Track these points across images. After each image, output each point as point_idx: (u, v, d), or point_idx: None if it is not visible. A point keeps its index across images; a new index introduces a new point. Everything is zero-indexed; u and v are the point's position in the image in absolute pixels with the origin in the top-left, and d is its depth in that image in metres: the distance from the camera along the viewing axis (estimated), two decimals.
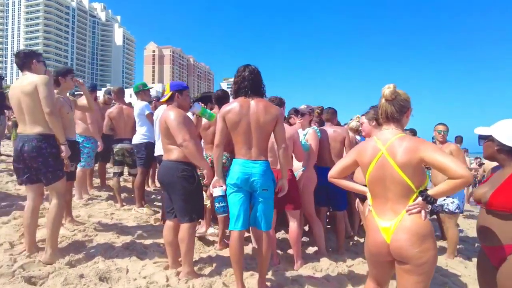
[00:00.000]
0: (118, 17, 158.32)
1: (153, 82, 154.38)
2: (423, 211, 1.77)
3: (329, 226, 4.80)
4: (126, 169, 5.37)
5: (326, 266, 3.45)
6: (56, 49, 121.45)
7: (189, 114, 3.14)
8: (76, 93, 6.32)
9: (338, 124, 4.76)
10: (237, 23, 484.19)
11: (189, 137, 2.72)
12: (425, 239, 1.75)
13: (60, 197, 3.03)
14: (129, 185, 6.23)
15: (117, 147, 5.06)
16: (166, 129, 2.81)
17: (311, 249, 4.05)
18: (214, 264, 3.22)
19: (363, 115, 3.29)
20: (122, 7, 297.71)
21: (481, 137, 1.99)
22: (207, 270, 3.09)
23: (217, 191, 2.70)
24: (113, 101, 5.68)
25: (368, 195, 1.98)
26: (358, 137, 4.73)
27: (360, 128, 3.86)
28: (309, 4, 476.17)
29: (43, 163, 2.92)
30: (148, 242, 3.68)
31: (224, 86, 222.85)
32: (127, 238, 3.69)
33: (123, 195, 5.42)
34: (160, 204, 5.44)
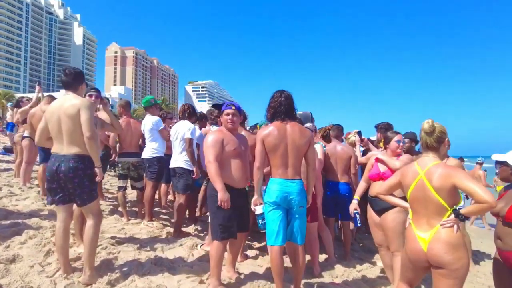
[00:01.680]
0: (78, 16, 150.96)
1: (115, 84, 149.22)
2: (455, 226, 2.12)
3: None
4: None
5: (341, 273, 3.79)
6: (8, 46, 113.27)
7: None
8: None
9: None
10: (202, 25, 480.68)
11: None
12: (457, 248, 2.11)
13: (95, 217, 3.07)
14: (129, 198, 6.21)
15: (122, 160, 5.07)
16: None
17: (320, 257, 4.35)
18: (242, 276, 3.42)
19: (403, 134, 3.60)
20: (82, 6, 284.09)
21: (497, 162, 2.40)
22: (239, 283, 3.27)
23: (259, 209, 2.92)
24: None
25: (409, 210, 2.32)
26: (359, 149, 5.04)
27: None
28: (277, 4, 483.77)
29: (79, 184, 2.96)
30: (171, 256, 3.79)
31: (189, 89, 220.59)
32: (150, 254, 3.78)
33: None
34: (167, 217, 5.52)
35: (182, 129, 4.58)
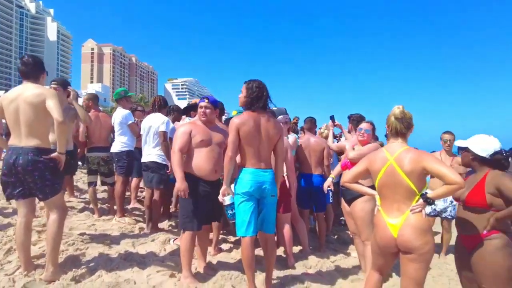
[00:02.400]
0: (51, 10, 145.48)
1: (92, 82, 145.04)
2: (423, 210, 2.15)
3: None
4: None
5: (315, 263, 3.80)
6: None
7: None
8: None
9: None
10: (181, 21, 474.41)
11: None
12: (425, 233, 2.14)
13: (59, 212, 2.94)
14: (100, 195, 6.03)
15: (92, 155, 4.89)
16: None
17: (295, 248, 4.36)
18: (214, 269, 3.37)
19: (365, 122, 3.59)
20: (55, 0, 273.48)
21: (460, 148, 2.45)
22: (211, 275, 3.21)
23: (228, 200, 2.87)
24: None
25: (377, 197, 2.33)
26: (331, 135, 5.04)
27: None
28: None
29: (40, 177, 2.82)
30: (142, 251, 3.69)
31: (168, 87, 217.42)
32: (121, 249, 3.66)
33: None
34: (139, 212, 5.38)
35: (156, 122, 4.44)
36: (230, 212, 2.91)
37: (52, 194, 2.90)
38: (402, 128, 2.25)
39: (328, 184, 3.70)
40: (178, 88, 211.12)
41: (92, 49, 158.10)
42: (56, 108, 2.78)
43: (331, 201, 3.89)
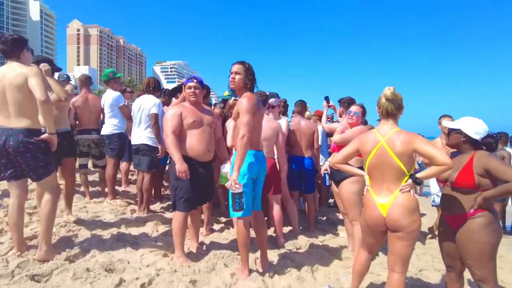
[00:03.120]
0: None
1: (78, 64, 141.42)
2: (412, 190, 2.23)
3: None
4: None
5: (304, 243, 3.90)
6: None
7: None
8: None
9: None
10: (170, 2, 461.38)
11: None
12: (413, 212, 2.22)
13: (53, 192, 2.94)
14: (91, 177, 6.00)
15: (82, 138, 4.86)
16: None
17: (285, 229, 4.46)
18: (205, 248, 3.45)
19: (356, 105, 3.64)
20: None
21: (450, 130, 2.49)
22: (203, 254, 3.28)
23: (241, 188, 2.66)
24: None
25: (366, 178, 2.39)
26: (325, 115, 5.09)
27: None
28: None
29: (32, 158, 2.79)
30: (135, 233, 3.73)
31: (157, 70, 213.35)
32: (113, 230, 3.70)
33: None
34: (131, 195, 5.39)
35: (147, 104, 4.40)
36: (238, 200, 2.68)
37: (46, 175, 2.89)
38: (393, 109, 2.29)
39: (325, 168, 3.77)
40: (167, 71, 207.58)
41: (78, 30, 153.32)
42: (38, 87, 2.70)
43: (327, 183, 3.96)
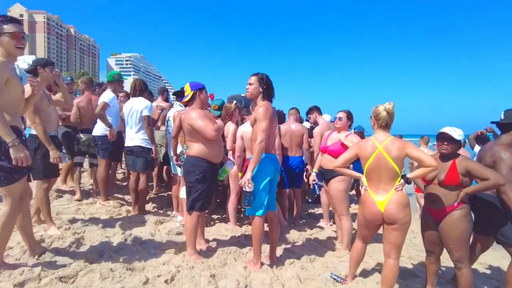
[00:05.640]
0: None
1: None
2: (403, 188, 2.68)
3: None
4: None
5: (297, 236, 4.27)
6: None
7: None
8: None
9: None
10: None
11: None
12: (406, 207, 2.67)
13: (12, 204, 2.60)
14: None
15: (84, 137, 4.98)
16: (191, 129, 3.13)
17: None
18: (213, 245, 3.68)
19: (341, 111, 4.08)
20: None
21: (446, 138, 2.92)
22: (212, 251, 3.50)
23: (252, 186, 2.91)
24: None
25: (364, 179, 2.79)
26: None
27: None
28: None
29: None
30: (138, 233, 3.85)
31: (112, 62, 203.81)
32: (118, 232, 3.79)
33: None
34: (121, 196, 5.42)
35: (139, 106, 4.51)
36: (248, 197, 2.94)
37: (7, 183, 2.55)
38: (390, 122, 2.73)
39: (313, 179, 4.12)
40: (122, 64, 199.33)
41: (21, 15, 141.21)
42: None
43: (317, 193, 4.32)
